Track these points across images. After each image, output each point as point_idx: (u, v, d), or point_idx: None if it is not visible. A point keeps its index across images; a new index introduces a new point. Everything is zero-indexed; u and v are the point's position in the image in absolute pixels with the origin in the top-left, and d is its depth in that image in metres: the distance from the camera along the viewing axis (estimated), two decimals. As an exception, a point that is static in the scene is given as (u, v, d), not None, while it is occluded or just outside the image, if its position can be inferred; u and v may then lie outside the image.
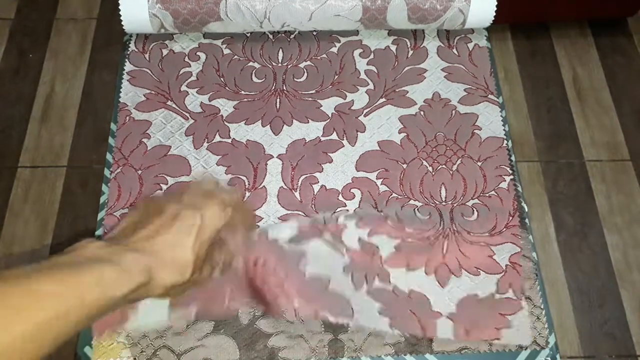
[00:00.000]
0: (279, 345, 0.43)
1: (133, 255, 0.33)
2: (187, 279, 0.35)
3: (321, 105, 0.57)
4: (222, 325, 0.44)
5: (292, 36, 0.61)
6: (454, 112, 0.56)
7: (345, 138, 0.55)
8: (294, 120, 0.56)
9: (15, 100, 1.26)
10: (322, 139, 0.55)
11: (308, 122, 0.55)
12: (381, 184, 0.52)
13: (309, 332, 0.44)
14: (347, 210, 0.51)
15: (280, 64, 0.59)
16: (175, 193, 0.39)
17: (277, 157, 0.53)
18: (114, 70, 1.27)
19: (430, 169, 0.53)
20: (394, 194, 0.52)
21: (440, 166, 0.54)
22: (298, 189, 0.52)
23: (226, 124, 0.56)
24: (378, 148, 0.55)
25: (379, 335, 0.44)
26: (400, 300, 0.45)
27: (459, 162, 0.54)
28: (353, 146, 0.54)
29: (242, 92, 0.58)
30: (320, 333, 0.44)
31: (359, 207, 0.51)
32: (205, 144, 0.55)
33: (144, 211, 0.38)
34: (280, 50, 0.60)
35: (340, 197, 0.51)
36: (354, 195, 0.51)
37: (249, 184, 0.52)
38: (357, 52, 0.60)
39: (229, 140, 0.55)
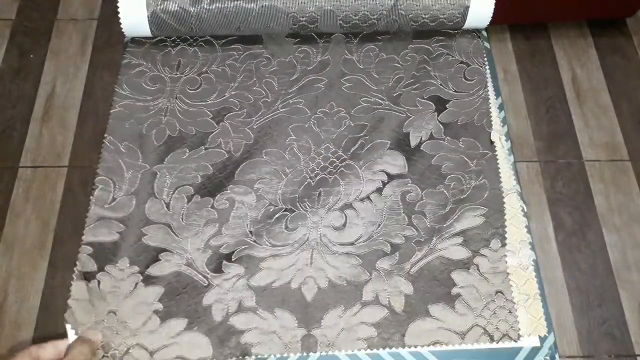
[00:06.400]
0: (252, 342, 0.43)
1: None
2: None
3: None
4: (195, 322, 0.44)
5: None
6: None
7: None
8: None
9: (17, 101, 1.26)
10: None
11: None
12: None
13: (282, 328, 0.43)
14: None
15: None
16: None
17: None
18: (115, 71, 1.27)
19: None
20: None
21: None
22: None
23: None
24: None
25: (352, 330, 0.43)
26: None
27: None
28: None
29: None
30: (294, 329, 0.44)
31: None
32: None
33: None
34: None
35: None
36: None
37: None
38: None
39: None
